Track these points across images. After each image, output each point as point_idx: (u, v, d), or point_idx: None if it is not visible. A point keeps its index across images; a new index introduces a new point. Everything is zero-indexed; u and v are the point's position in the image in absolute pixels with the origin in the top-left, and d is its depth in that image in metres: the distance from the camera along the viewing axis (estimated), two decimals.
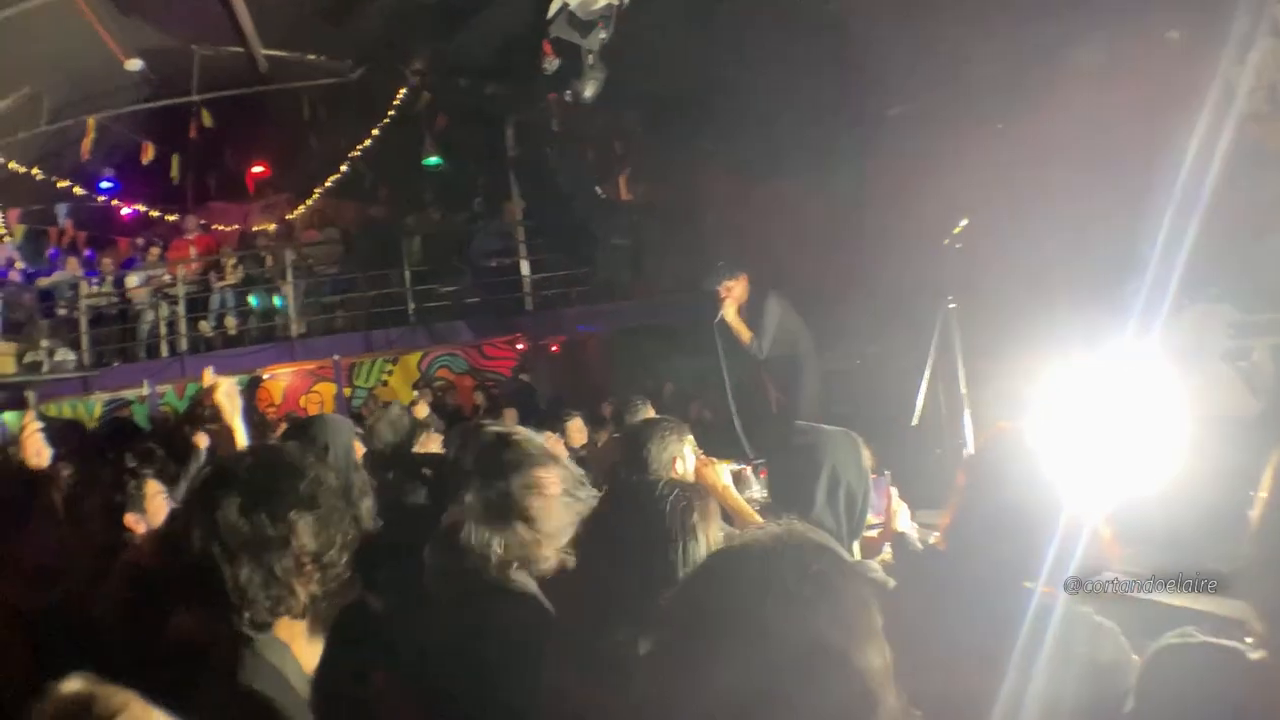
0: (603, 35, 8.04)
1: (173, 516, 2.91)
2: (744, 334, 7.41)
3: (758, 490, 5.41)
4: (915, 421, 5.44)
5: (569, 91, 8.71)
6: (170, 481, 4.46)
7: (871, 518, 3.46)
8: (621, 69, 8.87)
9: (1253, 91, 5.05)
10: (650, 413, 5.80)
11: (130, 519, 3.78)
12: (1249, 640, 1.68)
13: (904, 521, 3.70)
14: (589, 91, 8.57)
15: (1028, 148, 6.45)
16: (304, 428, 3.95)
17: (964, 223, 5.71)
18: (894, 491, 3.78)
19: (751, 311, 7.46)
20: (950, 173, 6.80)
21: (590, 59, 8.36)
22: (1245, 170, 4.73)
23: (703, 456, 3.92)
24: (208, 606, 1.74)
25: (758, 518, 3.83)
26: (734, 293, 7.45)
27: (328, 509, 1.79)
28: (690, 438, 3.92)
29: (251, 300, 14.84)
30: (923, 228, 6.36)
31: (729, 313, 7.39)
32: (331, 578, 1.78)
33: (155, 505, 3.86)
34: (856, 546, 2.97)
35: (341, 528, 1.81)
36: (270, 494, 1.74)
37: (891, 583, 2.77)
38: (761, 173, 9.87)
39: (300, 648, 1.77)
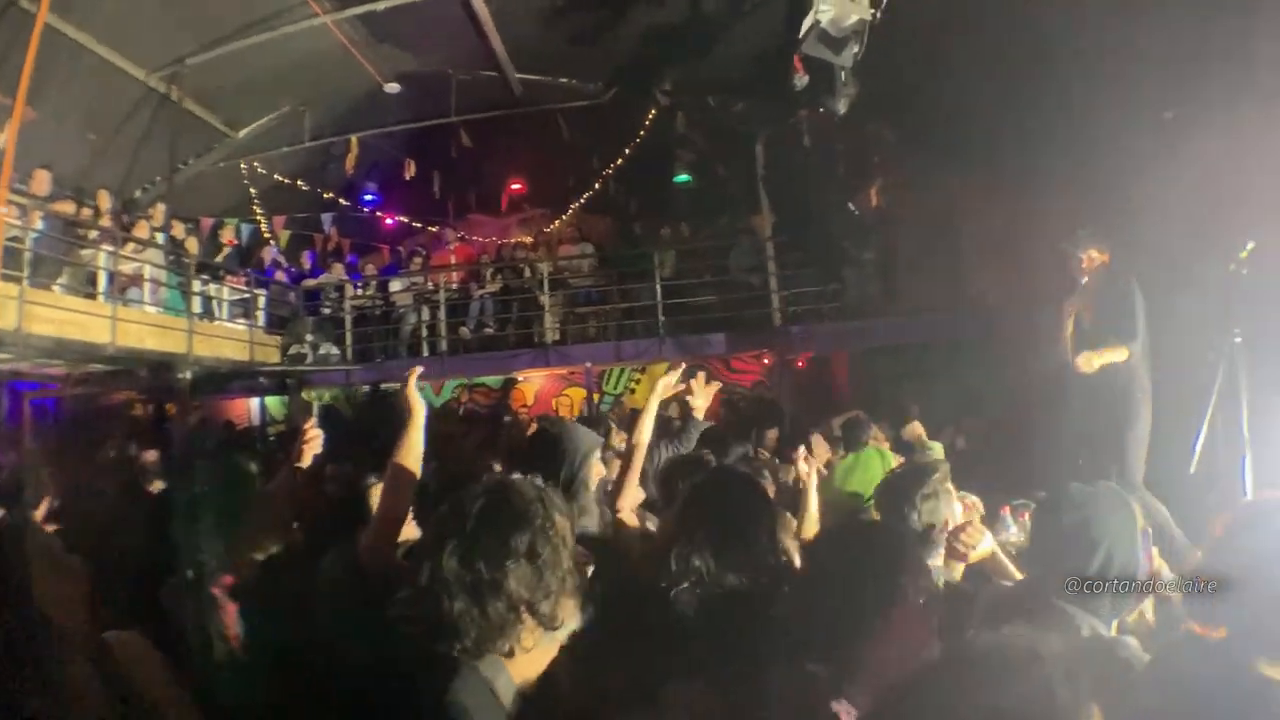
0: (855, 50, 7.89)
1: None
2: (1115, 353, 5.89)
3: (1014, 534, 5.12)
4: (1193, 469, 4.97)
5: (821, 108, 8.60)
6: None
7: None
8: (875, 81, 8.68)
9: None
10: (879, 434, 5.58)
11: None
12: None
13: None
14: (842, 108, 8.46)
15: None
16: (552, 435, 4.05)
17: (1250, 245, 5.15)
18: (1156, 551, 3.46)
19: (1105, 300, 6.06)
20: (1236, 187, 6.20)
21: (843, 75, 8.23)
22: None
23: (973, 526, 3.58)
24: (425, 630, 1.86)
25: (1012, 569, 3.57)
26: (1094, 266, 6.18)
27: (548, 559, 1.85)
28: (954, 495, 3.69)
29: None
30: (1205, 250, 5.82)
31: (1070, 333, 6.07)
32: (545, 623, 1.85)
33: None
34: (1115, 624, 2.68)
35: (559, 577, 1.87)
36: (492, 541, 1.84)
37: (1145, 659, 2.52)
38: (1022, 185, 9.39)
39: (523, 673, 1.87)
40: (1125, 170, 7.45)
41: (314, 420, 3.86)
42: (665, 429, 5.17)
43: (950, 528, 3.52)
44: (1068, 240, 6.38)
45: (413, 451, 2.94)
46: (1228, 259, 5.15)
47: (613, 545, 3.52)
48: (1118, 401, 5.99)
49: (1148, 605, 3.33)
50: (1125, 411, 5.98)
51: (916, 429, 6.93)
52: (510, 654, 1.83)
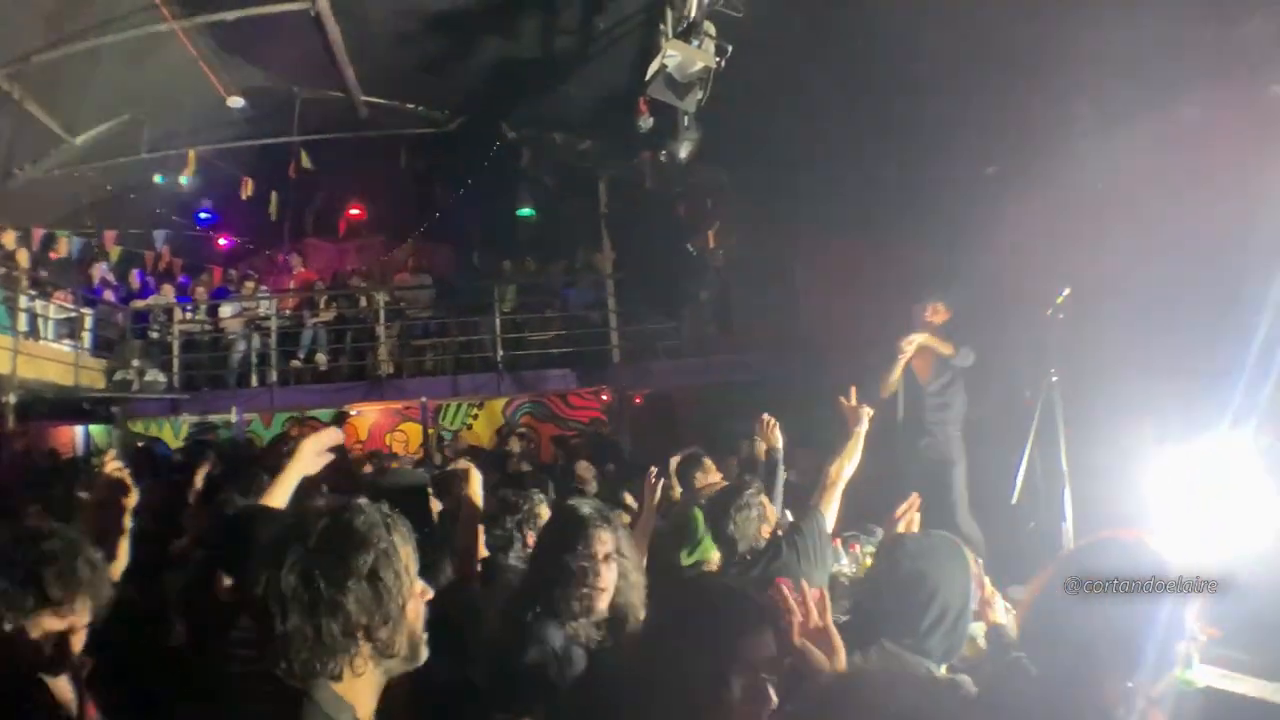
0: (699, 96, 8.10)
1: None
2: (943, 347, 6.75)
3: (845, 565, 5.30)
4: (1015, 499, 5.30)
5: (664, 151, 8.80)
6: None
7: None
8: (717, 127, 8.94)
9: None
10: (713, 472, 5.72)
11: None
12: None
13: (1001, 612, 3.57)
14: (684, 152, 8.67)
15: (1126, 210, 6.29)
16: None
17: (1066, 291, 5.55)
18: (987, 580, 3.66)
19: (939, 367, 6.91)
20: (1050, 237, 6.67)
21: (686, 120, 8.45)
22: None
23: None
24: (261, 649, 1.79)
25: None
26: (938, 319, 6.92)
27: (389, 584, 1.80)
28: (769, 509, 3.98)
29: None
30: (1022, 295, 6.23)
31: (921, 336, 6.76)
32: (382, 651, 1.80)
33: None
34: (945, 667, 2.75)
35: (399, 604, 1.81)
36: (332, 559, 1.77)
37: (974, 690, 2.64)
38: (854, 230, 9.81)
39: (361, 704, 1.80)
40: (954, 219, 7.90)
41: (114, 453, 3.66)
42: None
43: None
44: (919, 296, 7.04)
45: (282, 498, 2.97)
46: (1045, 304, 5.55)
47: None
48: (943, 444, 6.83)
49: (979, 632, 3.52)
50: (949, 452, 6.79)
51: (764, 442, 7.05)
52: (339, 678, 1.76)
